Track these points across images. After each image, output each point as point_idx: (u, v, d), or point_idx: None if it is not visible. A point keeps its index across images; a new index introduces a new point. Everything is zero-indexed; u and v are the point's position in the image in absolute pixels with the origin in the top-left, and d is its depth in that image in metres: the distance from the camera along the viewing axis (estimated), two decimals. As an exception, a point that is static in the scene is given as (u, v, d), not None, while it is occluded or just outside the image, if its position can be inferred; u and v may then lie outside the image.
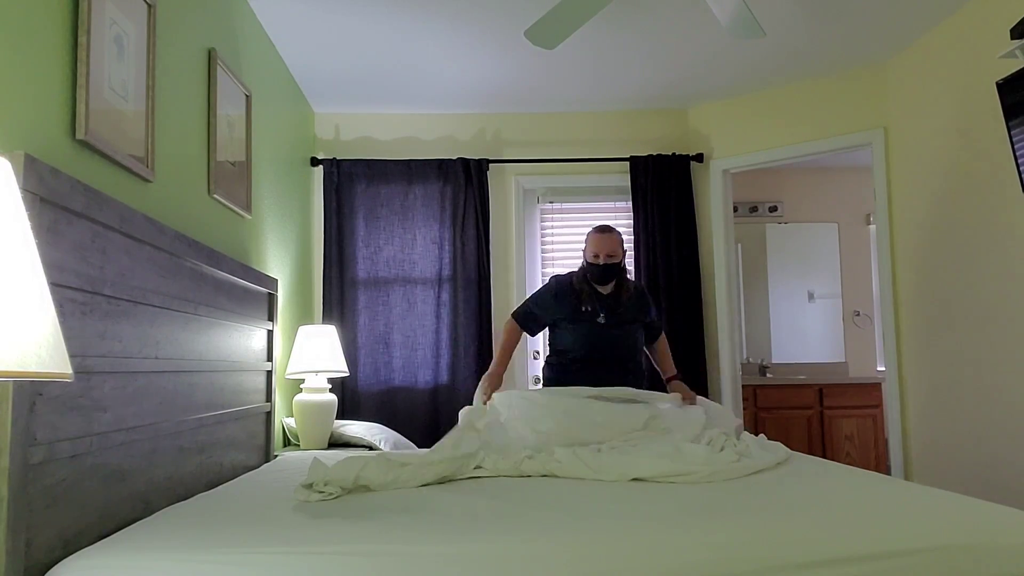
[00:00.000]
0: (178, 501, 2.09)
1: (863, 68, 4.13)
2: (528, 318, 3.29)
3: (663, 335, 3.43)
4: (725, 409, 3.17)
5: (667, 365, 3.37)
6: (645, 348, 3.38)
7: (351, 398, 4.35)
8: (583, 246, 3.29)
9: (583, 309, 3.17)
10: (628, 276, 3.33)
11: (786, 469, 2.31)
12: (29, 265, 0.98)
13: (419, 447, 3.76)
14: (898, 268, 4.02)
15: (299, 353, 3.51)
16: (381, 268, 4.49)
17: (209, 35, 2.72)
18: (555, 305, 3.23)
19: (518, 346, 3.38)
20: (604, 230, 3.22)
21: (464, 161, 4.50)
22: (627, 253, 3.39)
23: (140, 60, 2.12)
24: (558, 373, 3.22)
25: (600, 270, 3.16)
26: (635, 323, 3.24)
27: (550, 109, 4.65)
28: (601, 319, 3.16)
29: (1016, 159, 2.94)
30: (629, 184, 4.61)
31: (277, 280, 3.19)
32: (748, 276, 5.91)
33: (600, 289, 3.21)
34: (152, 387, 1.94)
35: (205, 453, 2.33)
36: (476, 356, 4.38)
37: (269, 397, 3.06)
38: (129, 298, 1.81)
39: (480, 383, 3.05)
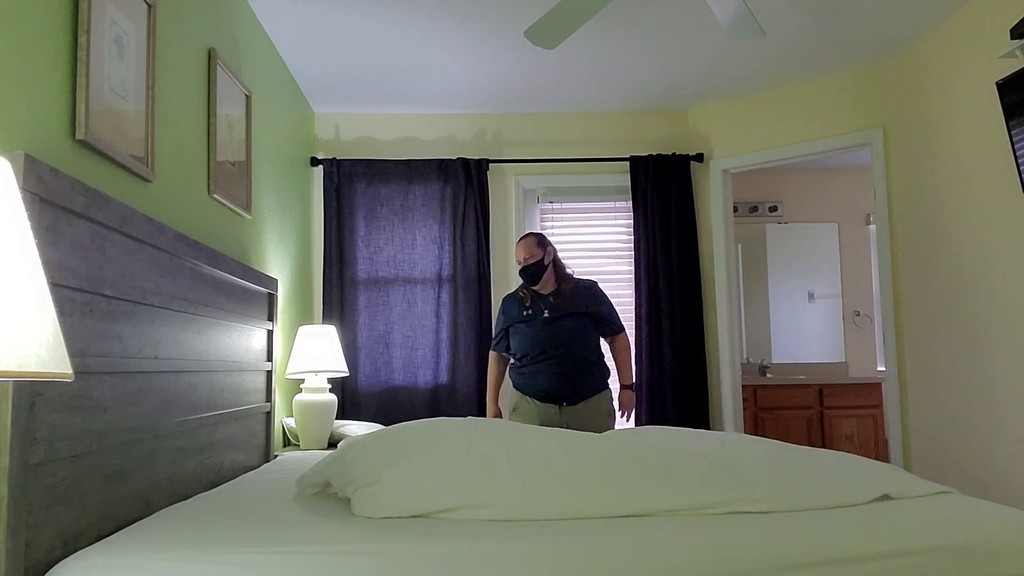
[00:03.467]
0: (178, 501, 2.09)
1: (863, 68, 4.13)
2: (499, 342, 3.59)
3: (623, 336, 3.56)
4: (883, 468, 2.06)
5: (622, 374, 3.56)
6: (609, 347, 3.57)
7: (351, 398, 4.35)
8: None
9: (527, 312, 3.44)
10: (569, 273, 3.57)
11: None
12: (29, 265, 0.98)
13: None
14: (898, 268, 4.02)
15: (299, 353, 3.51)
16: (381, 268, 4.49)
17: (209, 35, 2.72)
18: (505, 317, 3.54)
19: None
20: (522, 236, 3.54)
21: (464, 161, 4.50)
22: (550, 251, 3.50)
23: (140, 60, 2.12)
24: (518, 375, 3.47)
25: (522, 273, 3.45)
26: (578, 314, 3.40)
27: (550, 109, 4.65)
28: (545, 315, 3.40)
29: (1016, 159, 2.94)
30: (629, 184, 4.61)
31: (277, 280, 3.19)
32: (748, 276, 5.91)
33: (540, 290, 3.46)
34: (152, 387, 1.94)
35: (205, 453, 2.33)
36: (476, 356, 4.39)
37: (269, 397, 3.06)
38: (129, 298, 1.81)
39: None
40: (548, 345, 3.34)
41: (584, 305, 3.42)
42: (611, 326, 3.50)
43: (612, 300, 3.60)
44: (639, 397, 4.45)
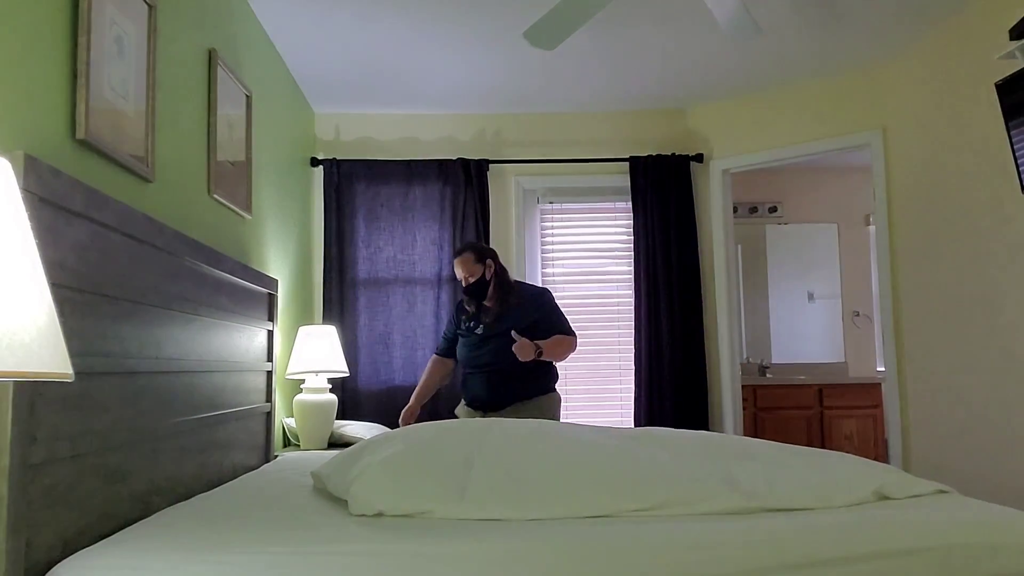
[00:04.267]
0: (178, 501, 2.08)
1: (862, 69, 4.13)
2: (445, 346, 3.60)
3: (573, 338, 3.37)
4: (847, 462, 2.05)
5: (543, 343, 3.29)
6: None
7: (351, 398, 4.35)
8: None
9: (467, 326, 3.43)
10: (515, 283, 3.47)
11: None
12: (29, 265, 0.98)
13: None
14: (898, 268, 4.02)
15: (299, 353, 3.51)
16: (381, 268, 4.49)
17: (209, 35, 2.72)
18: (453, 326, 3.55)
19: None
20: (457, 252, 3.45)
21: (464, 161, 4.50)
22: (491, 264, 3.37)
23: (140, 60, 2.12)
24: (461, 381, 3.54)
25: (465, 292, 3.40)
26: (526, 328, 3.27)
27: (550, 109, 4.65)
28: (479, 331, 3.36)
29: (1016, 159, 2.94)
30: (629, 184, 4.61)
31: (277, 280, 3.19)
32: (748, 276, 5.91)
33: (486, 303, 3.38)
34: (152, 387, 1.94)
35: (205, 453, 2.33)
36: (476, 356, 4.39)
37: (269, 397, 3.06)
38: (129, 298, 1.81)
39: (401, 418, 3.45)
40: (478, 360, 3.36)
41: (525, 318, 3.30)
42: (560, 331, 3.35)
43: (566, 310, 3.49)
44: (639, 396, 4.45)
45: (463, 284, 3.39)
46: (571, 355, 3.44)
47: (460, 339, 3.47)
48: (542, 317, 3.35)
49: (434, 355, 3.66)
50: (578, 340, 3.44)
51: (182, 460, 2.15)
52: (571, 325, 3.45)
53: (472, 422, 2.18)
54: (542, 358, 3.25)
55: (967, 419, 3.48)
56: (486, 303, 3.38)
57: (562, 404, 3.50)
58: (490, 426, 2.13)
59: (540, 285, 3.61)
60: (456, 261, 3.40)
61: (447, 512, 1.71)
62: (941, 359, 3.67)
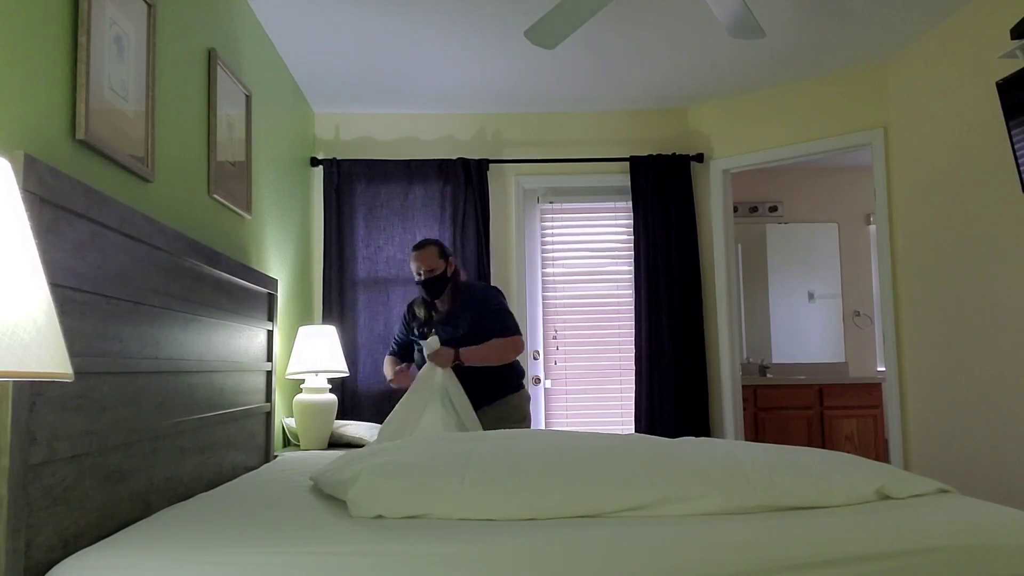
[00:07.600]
0: (178, 501, 2.09)
1: (863, 68, 4.13)
2: (397, 351, 3.53)
3: (511, 339, 3.26)
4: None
5: (471, 349, 3.19)
6: None
7: (351, 398, 4.35)
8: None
9: (421, 331, 3.34)
10: (468, 284, 3.40)
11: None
12: (29, 265, 0.98)
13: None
14: (898, 268, 4.02)
15: (299, 353, 3.51)
16: (381, 268, 4.49)
17: (209, 35, 2.72)
18: (405, 330, 3.48)
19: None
20: (420, 246, 3.32)
21: (464, 161, 4.50)
22: (453, 262, 3.33)
23: (140, 60, 2.12)
24: None
25: (421, 286, 3.29)
26: (466, 335, 3.22)
27: (550, 109, 4.65)
28: (434, 333, 3.26)
29: (1016, 159, 2.94)
30: (629, 184, 4.62)
31: (277, 280, 3.19)
32: (748, 276, 5.91)
33: (439, 304, 3.33)
34: (152, 387, 1.94)
35: (205, 453, 2.33)
36: (476, 356, 4.38)
37: (269, 397, 3.06)
38: (129, 298, 1.80)
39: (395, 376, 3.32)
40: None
41: (470, 320, 3.24)
42: (497, 332, 3.25)
43: (511, 308, 3.41)
44: (639, 396, 4.44)
45: (419, 277, 3.27)
46: (517, 355, 3.30)
47: (415, 346, 3.40)
48: (483, 317, 3.26)
49: (388, 356, 3.57)
50: (523, 339, 3.24)
51: (181, 460, 2.15)
52: (516, 324, 3.33)
53: (465, 433, 2.19)
54: (466, 364, 3.16)
55: (967, 419, 3.48)
56: (438, 303, 3.33)
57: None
58: (483, 434, 2.15)
59: (491, 285, 3.43)
60: (417, 254, 3.28)
61: (445, 507, 1.71)
62: (941, 359, 3.67)
